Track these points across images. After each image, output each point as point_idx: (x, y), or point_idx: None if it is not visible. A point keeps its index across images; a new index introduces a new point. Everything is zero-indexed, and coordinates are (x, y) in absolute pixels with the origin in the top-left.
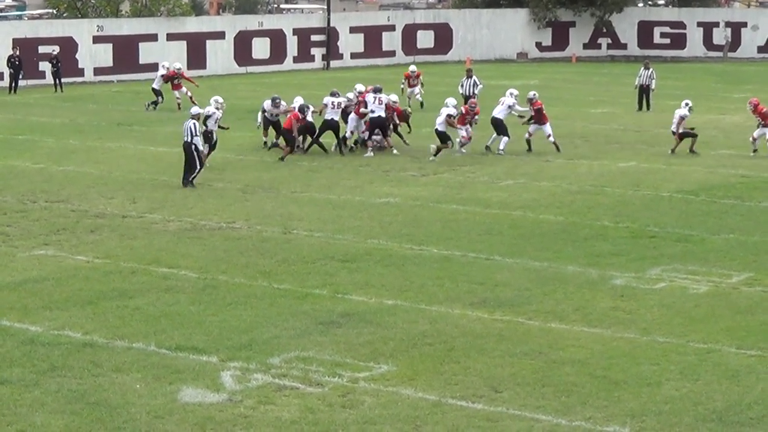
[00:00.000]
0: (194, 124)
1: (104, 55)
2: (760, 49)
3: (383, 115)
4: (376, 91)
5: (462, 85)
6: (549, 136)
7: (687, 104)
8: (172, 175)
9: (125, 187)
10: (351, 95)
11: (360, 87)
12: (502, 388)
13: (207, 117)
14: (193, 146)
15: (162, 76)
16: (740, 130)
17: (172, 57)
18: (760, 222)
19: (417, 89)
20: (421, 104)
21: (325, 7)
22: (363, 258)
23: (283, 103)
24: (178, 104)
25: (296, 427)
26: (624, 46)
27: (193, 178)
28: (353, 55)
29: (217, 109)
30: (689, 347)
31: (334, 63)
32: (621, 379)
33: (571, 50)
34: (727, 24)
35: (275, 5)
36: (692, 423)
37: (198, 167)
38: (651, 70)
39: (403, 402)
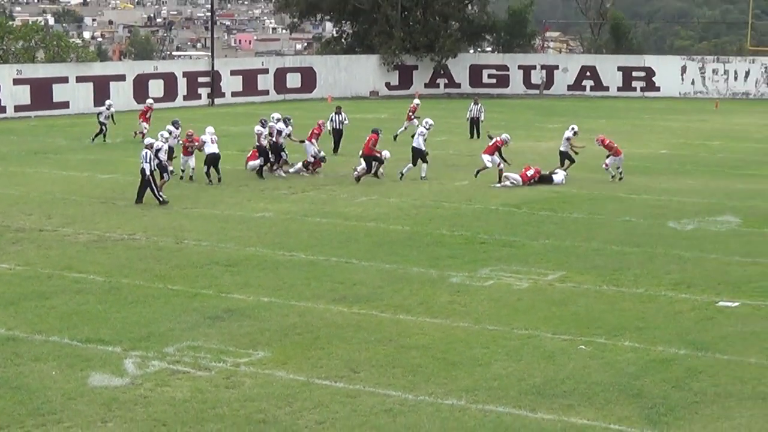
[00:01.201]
0: (146, 152)
1: (23, 94)
2: (570, 87)
3: (280, 142)
4: (285, 121)
5: (332, 120)
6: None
7: (573, 128)
8: (82, 195)
9: (42, 206)
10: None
11: (276, 114)
12: (359, 369)
13: (158, 150)
14: (145, 171)
15: (108, 111)
16: (553, 154)
17: (81, 96)
18: (571, 230)
19: (407, 123)
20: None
21: (210, 54)
22: (243, 263)
23: (174, 130)
24: (143, 134)
25: (188, 405)
26: (458, 86)
27: (140, 198)
28: (233, 94)
29: (165, 142)
30: (513, 333)
31: (218, 100)
32: (458, 361)
33: (415, 89)
34: (543, 67)
35: (168, 52)
36: (516, 396)
37: (146, 188)
38: (480, 105)
39: (277, 382)
